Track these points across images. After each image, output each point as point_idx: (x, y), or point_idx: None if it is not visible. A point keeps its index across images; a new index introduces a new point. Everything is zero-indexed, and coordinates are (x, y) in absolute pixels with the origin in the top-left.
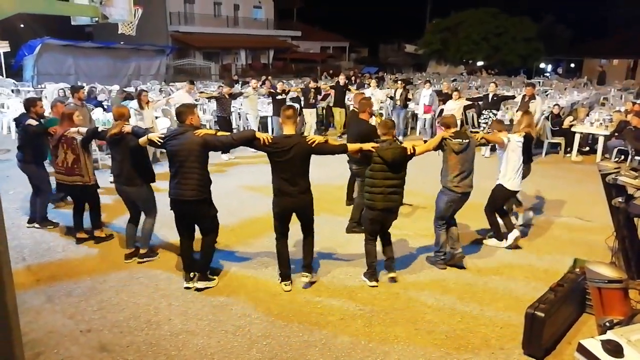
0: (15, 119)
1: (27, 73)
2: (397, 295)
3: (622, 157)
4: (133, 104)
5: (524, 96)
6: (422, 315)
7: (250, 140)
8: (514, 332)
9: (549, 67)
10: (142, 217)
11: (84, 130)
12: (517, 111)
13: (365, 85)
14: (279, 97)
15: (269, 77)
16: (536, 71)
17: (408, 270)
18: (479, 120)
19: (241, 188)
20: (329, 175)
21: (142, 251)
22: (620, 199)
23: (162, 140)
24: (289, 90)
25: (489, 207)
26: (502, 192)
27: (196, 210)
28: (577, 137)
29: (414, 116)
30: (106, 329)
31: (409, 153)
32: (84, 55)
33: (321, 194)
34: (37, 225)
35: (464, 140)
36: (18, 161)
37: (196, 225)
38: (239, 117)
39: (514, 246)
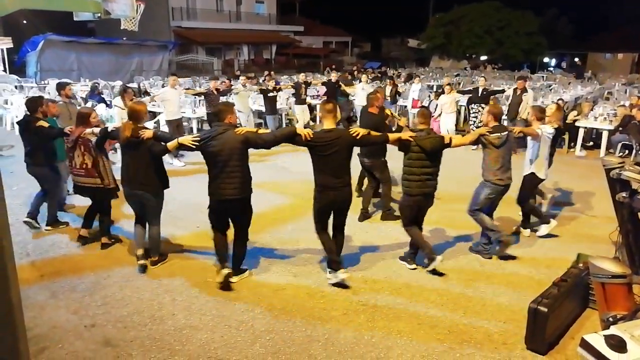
0: (21, 122)
1: (30, 69)
2: (399, 290)
3: (627, 151)
4: (118, 102)
5: (515, 89)
6: (424, 310)
7: (292, 137)
8: (516, 327)
9: (553, 62)
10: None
11: (97, 130)
12: (509, 104)
13: (359, 81)
14: (271, 94)
15: (272, 72)
16: (540, 65)
17: (410, 266)
18: (470, 114)
19: None
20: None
21: (154, 258)
22: (624, 194)
23: (197, 143)
24: (280, 88)
25: (523, 197)
26: (533, 180)
27: (241, 208)
28: (581, 132)
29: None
30: (110, 324)
31: (445, 143)
32: (86, 51)
33: None
34: (47, 228)
35: (502, 134)
36: (29, 165)
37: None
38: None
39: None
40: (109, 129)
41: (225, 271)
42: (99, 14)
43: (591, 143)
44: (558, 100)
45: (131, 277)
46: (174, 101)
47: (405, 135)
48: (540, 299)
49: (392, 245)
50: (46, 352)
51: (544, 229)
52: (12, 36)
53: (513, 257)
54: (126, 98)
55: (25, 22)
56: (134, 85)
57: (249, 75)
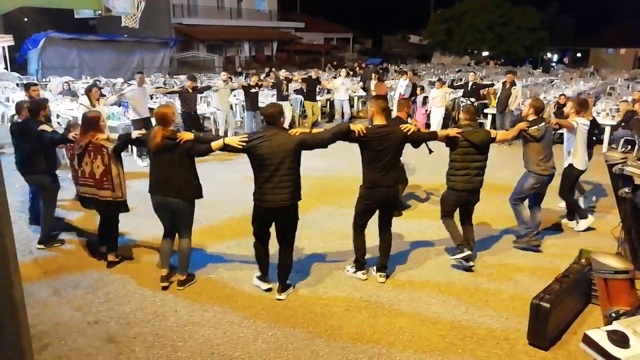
0: (18, 125)
1: (32, 67)
2: (402, 286)
3: (629, 147)
4: (83, 100)
5: (504, 83)
6: (427, 306)
7: (346, 134)
8: (519, 323)
9: (555, 57)
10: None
11: (114, 136)
12: (499, 97)
13: (336, 76)
14: (253, 90)
15: (273, 69)
16: (542, 61)
17: (412, 262)
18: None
19: (246, 180)
20: (331, 167)
21: (181, 278)
22: (627, 190)
23: (244, 144)
24: (262, 84)
25: (564, 189)
26: (572, 172)
27: (290, 214)
28: None
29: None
30: (113, 321)
31: (492, 137)
32: (87, 49)
33: (325, 186)
34: (40, 246)
35: (541, 126)
36: (26, 174)
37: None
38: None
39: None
40: (133, 136)
41: (267, 286)
42: (100, 11)
43: (594, 138)
44: (560, 95)
45: (133, 274)
46: (141, 100)
47: (454, 132)
48: (542, 294)
49: (394, 242)
50: (49, 348)
51: (583, 224)
52: (13, 34)
53: (536, 250)
54: (92, 97)
55: (26, 19)
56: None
57: (251, 72)
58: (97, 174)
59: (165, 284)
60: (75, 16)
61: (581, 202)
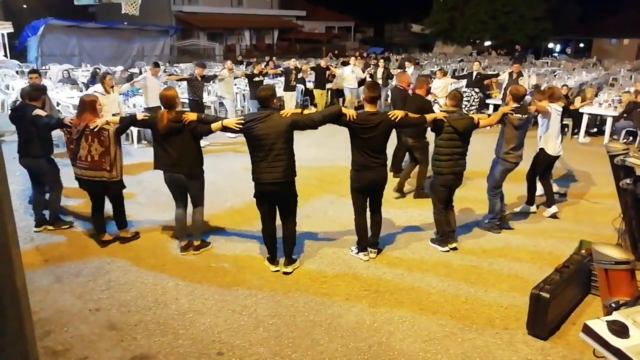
0: (14, 110)
1: (31, 54)
2: (401, 276)
3: (631, 138)
4: (98, 88)
5: (511, 73)
6: (426, 295)
7: (338, 116)
8: (518, 313)
9: (558, 47)
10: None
11: (115, 119)
12: (505, 88)
13: (346, 63)
14: (256, 79)
15: (274, 58)
16: (545, 51)
17: (412, 252)
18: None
19: (245, 169)
20: (331, 157)
21: (196, 243)
22: (628, 181)
23: (241, 126)
24: (267, 72)
25: (531, 172)
26: (543, 156)
27: (286, 191)
28: (585, 118)
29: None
30: (114, 308)
31: (474, 123)
32: (87, 36)
33: (324, 175)
34: (50, 227)
35: (523, 116)
36: (23, 157)
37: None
38: (243, 98)
39: (554, 216)
40: (138, 117)
41: (285, 269)
42: None
43: (595, 130)
44: (562, 86)
45: (135, 261)
46: (154, 88)
47: (440, 115)
48: (542, 285)
49: (395, 231)
50: (51, 335)
51: (552, 210)
52: (12, 21)
53: (511, 228)
54: (106, 84)
55: (25, 6)
56: (136, 70)
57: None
58: (95, 156)
59: (185, 254)
60: (75, 3)
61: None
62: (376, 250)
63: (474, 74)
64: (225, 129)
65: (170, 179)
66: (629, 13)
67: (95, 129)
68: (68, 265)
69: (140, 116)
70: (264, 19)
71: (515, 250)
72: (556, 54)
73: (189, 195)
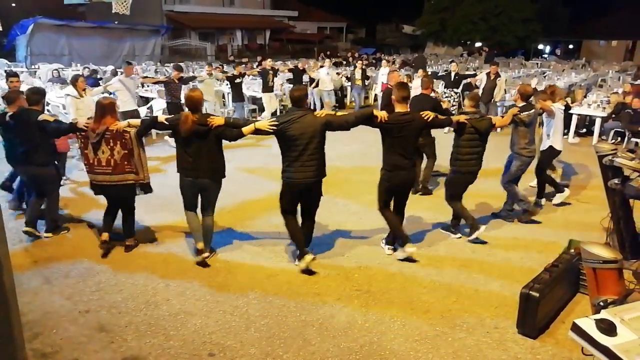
0: (14, 115)
1: (20, 53)
2: (393, 275)
3: (619, 138)
4: (70, 91)
5: (488, 74)
6: (418, 295)
7: (369, 118)
8: (508, 312)
9: (547, 49)
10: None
11: (136, 122)
12: (484, 88)
13: (320, 66)
14: (238, 80)
15: (269, 59)
16: (534, 52)
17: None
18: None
19: (237, 170)
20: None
21: (207, 253)
22: (616, 181)
23: (275, 127)
24: (245, 74)
25: (540, 168)
26: (552, 152)
27: (317, 190)
28: (574, 119)
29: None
30: (104, 310)
31: (492, 124)
32: (77, 36)
33: None
34: (47, 235)
35: (531, 112)
36: (24, 165)
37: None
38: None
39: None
40: (159, 119)
41: (310, 257)
42: None
43: (584, 130)
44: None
45: (125, 262)
46: (128, 91)
47: (463, 117)
48: (531, 284)
49: (385, 232)
50: (40, 337)
51: (558, 198)
52: (0, 19)
53: (537, 222)
54: (78, 87)
55: (14, 5)
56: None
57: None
58: (117, 160)
59: (204, 257)
60: (65, 2)
61: (556, 179)
62: (411, 243)
63: (452, 74)
64: (257, 131)
65: (190, 184)
66: (618, 15)
67: (117, 132)
68: (57, 266)
69: (161, 118)
70: (255, 19)
71: (504, 249)
72: (546, 55)
73: (201, 199)
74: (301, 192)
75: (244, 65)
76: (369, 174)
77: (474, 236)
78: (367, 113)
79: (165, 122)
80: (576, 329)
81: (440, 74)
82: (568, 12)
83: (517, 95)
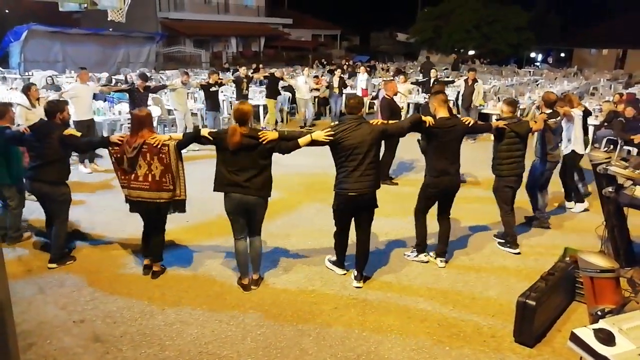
0: (35, 128)
1: (14, 60)
2: (390, 284)
3: (612, 146)
4: (22, 100)
5: (466, 80)
6: (415, 304)
7: (419, 124)
8: (505, 321)
9: (539, 57)
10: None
11: (177, 135)
12: (463, 94)
13: (300, 73)
14: (213, 89)
15: (260, 65)
16: (527, 60)
17: (399, 260)
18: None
19: None
20: (320, 164)
21: (255, 277)
22: (610, 189)
23: (331, 138)
24: (222, 82)
25: (566, 174)
26: (575, 157)
27: (373, 200)
28: None
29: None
30: (99, 320)
31: (530, 127)
32: (71, 42)
33: (312, 184)
34: (53, 265)
35: (557, 119)
36: (35, 182)
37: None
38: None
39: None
40: (202, 133)
41: (357, 284)
42: (86, 5)
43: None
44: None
45: (120, 271)
46: (84, 99)
47: (502, 123)
48: (528, 292)
49: (381, 240)
50: (34, 348)
51: (579, 207)
52: None
53: (548, 227)
54: (31, 96)
55: (7, 11)
56: (121, 77)
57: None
58: (156, 175)
59: (255, 287)
60: (60, 9)
61: (580, 188)
62: (444, 259)
63: (432, 80)
64: (313, 142)
65: (237, 202)
66: (608, 24)
67: (157, 145)
68: (51, 275)
69: (204, 132)
70: (250, 26)
71: (501, 257)
72: (538, 63)
73: (247, 221)
74: (359, 204)
75: (251, 72)
76: None
77: (508, 250)
78: (417, 118)
79: (209, 136)
80: (575, 338)
81: (420, 80)
82: (559, 21)
83: (542, 102)
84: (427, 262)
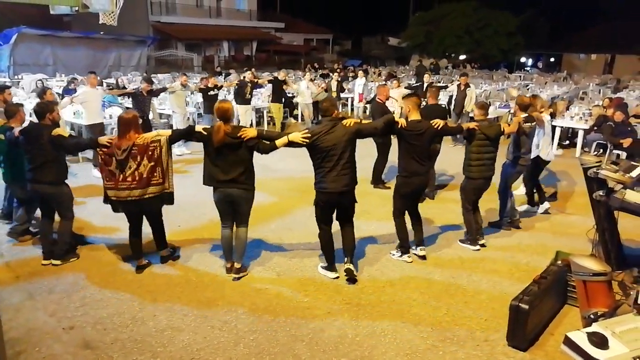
0: (25, 131)
1: (3, 63)
2: (383, 289)
3: (601, 150)
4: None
5: (459, 85)
6: (408, 308)
7: (392, 125)
8: (498, 324)
9: (529, 62)
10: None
11: (166, 131)
12: (455, 99)
13: (301, 78)
14: (212, 92)
15: (252, 69)
16: (517, 65)
17: (393, 264)
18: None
19: None
20: (309, 167)
21: (237, 265)
22: (601, 192)
23: (307, 140)
24: (222, 86)
25: (529, 176)
26: (539, 162)
27: (351, 198)
28: (557, 131)
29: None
30: (89, 326)
31: (502, 130)
32: (62, 46)
33: (306, 187)
34: (57, 262)
35: (532, 124)
36: (36, 183)
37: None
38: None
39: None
40: (197, 129)
41: (348, 266)
42: (77, 8)
43: (567, 142)
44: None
45: (110, 277)
46: (94, 103)
47: (473, 124)
48: (521, 296)
49: (373, 244)
50: (23, 355)
51: (543, 207)
52: None
53: (518, 227)
54: (46, 99)
55: None
56: (112, 80)
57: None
58: (144, 173)
59: (235, 276)
60: (51, 12)
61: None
62: (424, 247)
63: (425, 85)
64: (290, 143)
65: (223, 195)
66: (597, 30)
67: (144, 145)
68: (40, 281)
69: (199, 127)
70: (242, 30)
71: (493, 261)
72: (528, 68)
73: (234, 213)
74: (337, 202)
75: (243, 76)
76: (359, 187)
77: (468, 246)
78: (390, 119)
79: (204, 132)
80: (568, 342)
81: (413, 84)
82: (548, 27)
83: (516, 106)
84: (410, 262)
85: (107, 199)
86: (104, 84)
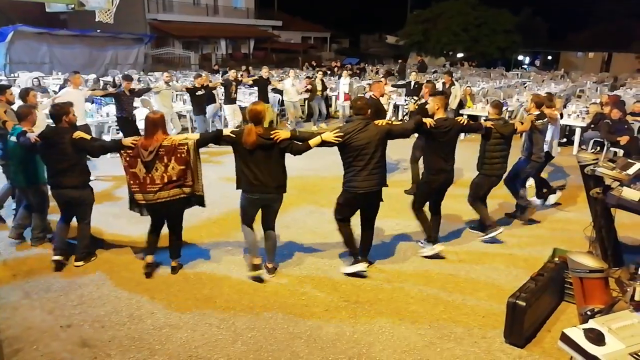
0: (44, 136)
1: None
2: (381, 286)
3: (598, 148)
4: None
5: (443, 84)
6: (406, 305)
7: (420, 125)
8: (495, 322)
9: (527, 60)
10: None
11: (194, 135)
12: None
13: (285, 76)
14: (199, 92)
15: (249, 67)
16: (514, 63)
17: (391, 261)
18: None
19: (221, 179)
20: (312, 166)
21: (270, 265)
22: (598, 190)
23: (340, 139)
24: (210, 85)
25: (536, 171)
26: (548, 157)
27: (379, 199)
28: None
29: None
30: (87, 324)
31: (515, 129)
32: (59, 44)
33: (305, 185)
34: (79, 264)
35: (544, 121)
36: (59, 189)
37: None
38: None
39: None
40: (224, 133)
41: (364, 264)
42: (73, 6)
43: (565, 140)
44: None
45: (108, 275)
46: (77, 104)
47: (489, 123)
48: (518, 293)
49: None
50: (20, 354)
51: (552, 198)
52: None
53: (537, 222)
54: (30, 101)
55: None
56: (109, 78)
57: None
58: (173, 176)
59: (259, 273)
60: (47, 10)
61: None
62: (440, 242)
63: (412, 83)
64: (323, 143)
65: (255, 200)
66: (594, 28)
67: (172, 147)
68: (38, 279)
69: (226, 131)
70: (240, 28)
71: (491, 258)
72: (525, 66)
73: (263, 215)
74: (364, 201)
75: (240, 74)
76: None
77: (490, 236)
78: (420, 120)
79: (232, 134)
80: (565, 338)
81: (400, 83)
82: (546, 25)
83: (532, 104)
84: (441, 254)
85: (133, 204)
86: (101, 82)
